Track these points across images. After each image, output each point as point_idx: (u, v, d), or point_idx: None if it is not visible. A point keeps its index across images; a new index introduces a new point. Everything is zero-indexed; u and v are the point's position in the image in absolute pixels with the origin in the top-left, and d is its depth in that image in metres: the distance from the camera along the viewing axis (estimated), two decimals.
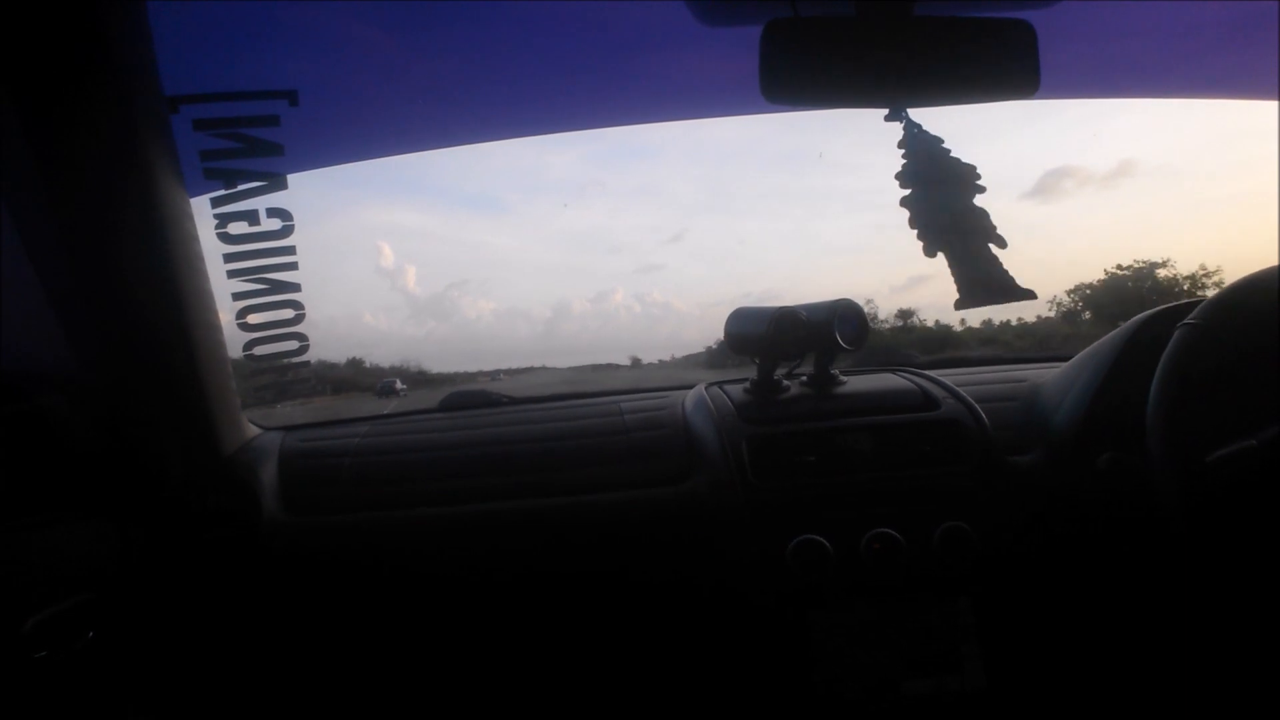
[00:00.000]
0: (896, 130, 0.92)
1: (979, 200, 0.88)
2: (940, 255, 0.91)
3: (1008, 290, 0.88)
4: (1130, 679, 0.96)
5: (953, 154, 0.89)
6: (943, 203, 0.90)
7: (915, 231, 0.91)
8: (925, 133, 0.89)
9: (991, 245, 0.88)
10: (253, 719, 1.02)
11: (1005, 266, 0.88)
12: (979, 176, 0.89)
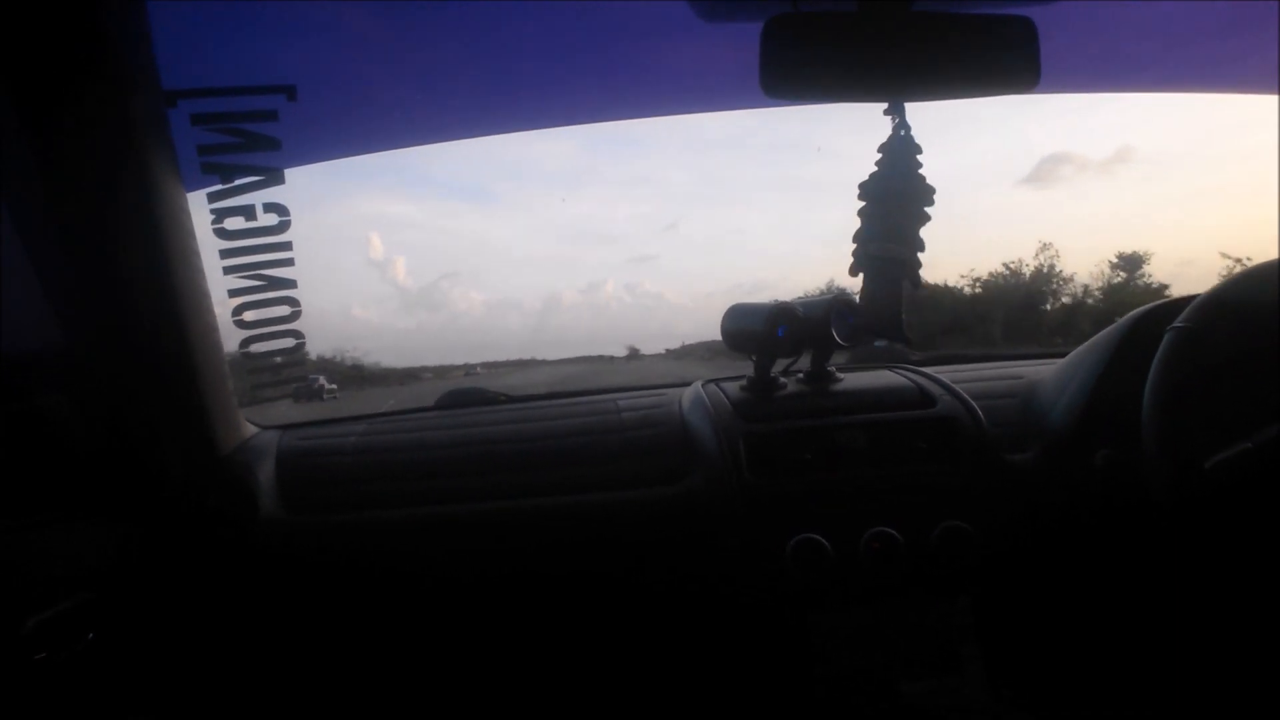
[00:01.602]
0: (890, 121, 0.93)
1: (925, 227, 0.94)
2: (860, 277, 0.98)
3: (892, 332, 0.96)
4: (1129, 676, 0.96)
5: (922, 170, 0.92)
6: (889, 224, 0.94)
7: (854, 246, 0.97)
8: (910, 139, 0.91)
9: (906, 282, 0.95)
10: (252, 719, 1.02)
11: (902, 310, 0.96)
12: (933, 202, 0.93)
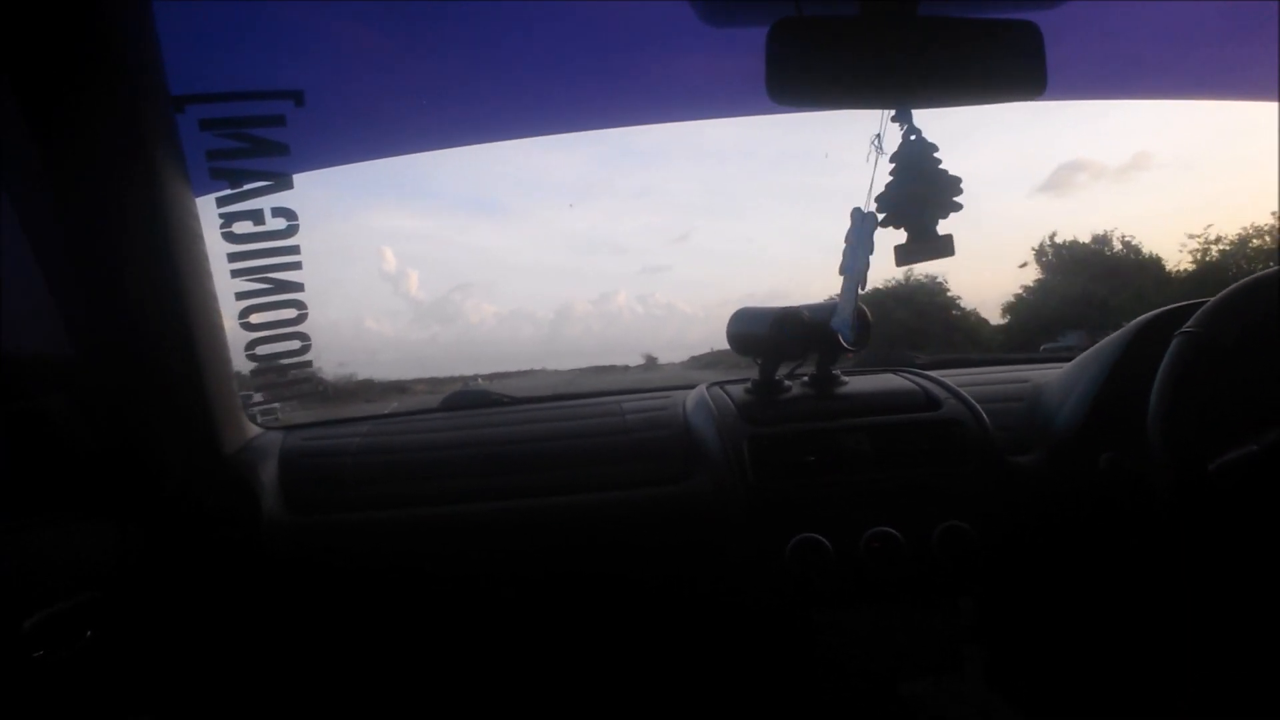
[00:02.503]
0: (898, 126, 0.92)
1: (952, 217, 0.89)
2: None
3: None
4: (1132, 679, 0.95)
5: (942, 166, 0.89)
6: (917, 227, 0.90)
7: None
8: (923, 141, 0.89)
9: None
10: (253, 719, 1.02)
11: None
12: (960, 192, 0.89)
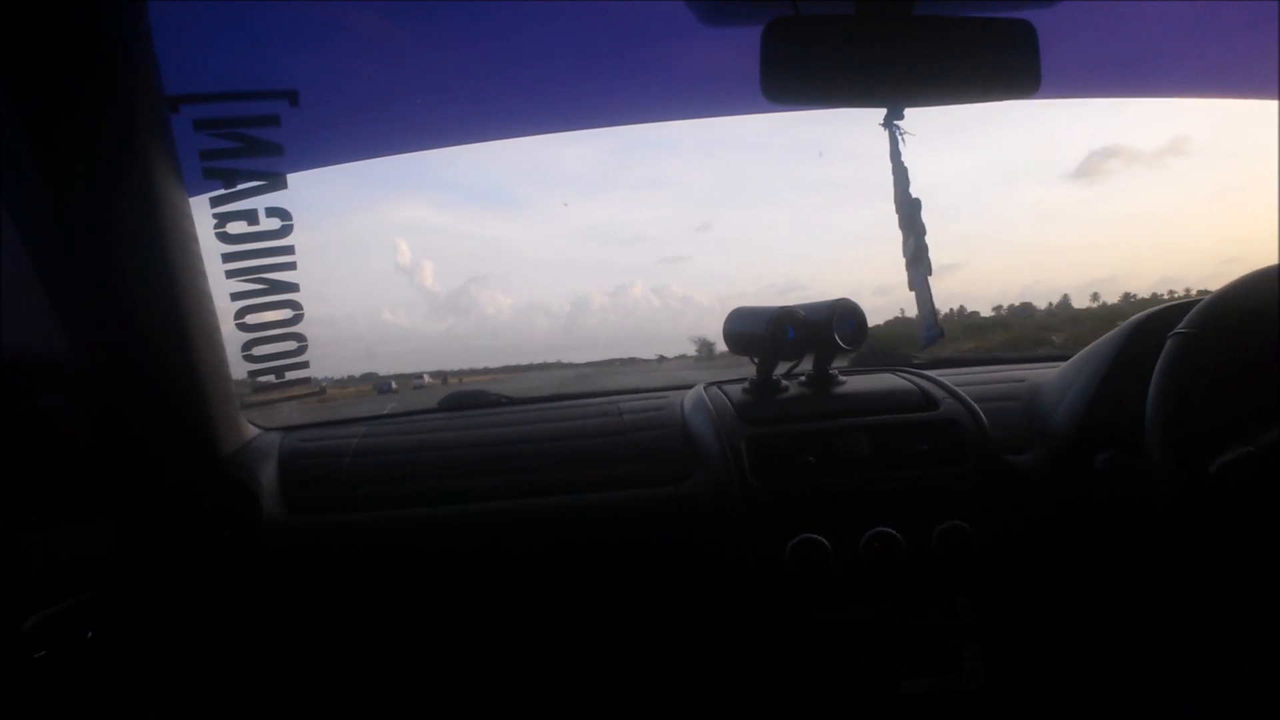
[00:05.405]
0: (906, 119, 0.92)
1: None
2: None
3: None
4: (1130, 678, 0.96)
5: (910, 189, 0.91)
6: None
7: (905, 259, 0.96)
8: (899, 160, 0.91)
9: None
10: (252, 719, 1.02)
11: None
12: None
